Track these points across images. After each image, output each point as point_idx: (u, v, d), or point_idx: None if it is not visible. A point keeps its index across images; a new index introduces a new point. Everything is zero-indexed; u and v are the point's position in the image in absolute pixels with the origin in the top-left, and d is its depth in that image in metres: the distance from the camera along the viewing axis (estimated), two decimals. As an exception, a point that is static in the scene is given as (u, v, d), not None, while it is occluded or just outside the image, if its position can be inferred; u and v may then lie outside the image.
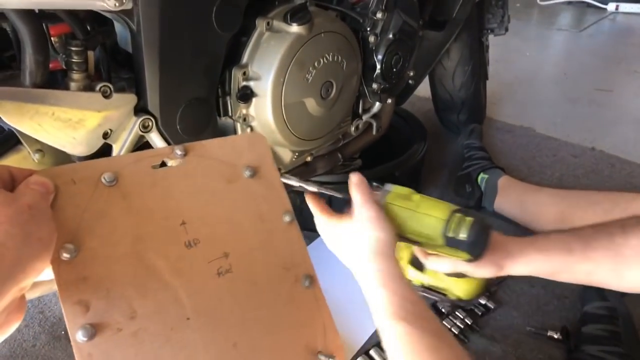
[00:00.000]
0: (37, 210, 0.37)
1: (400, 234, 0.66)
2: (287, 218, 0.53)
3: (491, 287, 0.87)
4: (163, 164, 0.48)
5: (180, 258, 0.45)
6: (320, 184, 0.71)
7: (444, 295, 0.95)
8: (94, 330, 0.39)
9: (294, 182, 0.70)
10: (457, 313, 0.97)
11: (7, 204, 0.36)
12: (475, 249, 0.63)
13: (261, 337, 0.47)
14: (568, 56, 2.36)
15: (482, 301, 1.00)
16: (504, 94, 1.87)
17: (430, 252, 0.73)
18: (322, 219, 0.68)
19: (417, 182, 1.33)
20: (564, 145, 1.55)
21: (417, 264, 0.78)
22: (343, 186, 0.69)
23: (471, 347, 0.92)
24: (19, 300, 0.38)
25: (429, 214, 0.64)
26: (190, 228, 0.47)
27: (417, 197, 0.67)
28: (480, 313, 0.98)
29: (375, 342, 0.93)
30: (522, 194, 1.19)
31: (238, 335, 0.46)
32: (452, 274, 0.77)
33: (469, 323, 0.96)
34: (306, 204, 1.18)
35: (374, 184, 0.70)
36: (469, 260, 0.66)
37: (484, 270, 0.71)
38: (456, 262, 0.71)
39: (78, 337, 0.39)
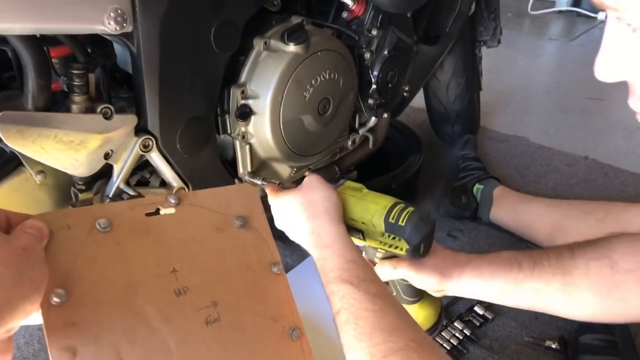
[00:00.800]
0: (31, 253, 0.38)
1: (346, 220, 0.67)
2: (275, 269, 0.53)
3: (440, 320, 0.86)
4: (156, 212, 0.49)
5: (169, 305, 0.45)
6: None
7: None
8: None
9: (257, 181, 0.76)
10: (455, 324, 0.98)
11: (1, 245, 0.36)
12: (414, 236, 0.64)
13: None
14: (559, 65, 2.39)
15: (480, 312, 1.01)
16: (498, 104, 1.89)
17: (374, 260, 0.74)
18: (273, 200, 0.70)
19: (413, 193, 1.34)
20: (557, 155, 1.57)
21: None
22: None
23: (470, 358, 0.93)
24: (5, 341, 0.38)
25: (373, 202, 0.67)
26: (180, 276, 0.47)
27: (366, 190, 0.70)
28: (478, 324, 0.99)
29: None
30: (516, 204, 1.21)
31: None
32: (405, 298, 0.77)
33: (468, 334, 0.97)
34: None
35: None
36: (408, 252, 0.66)
37: (427, 277, 0.70)
38: (398, 264, 0.71)
39: None
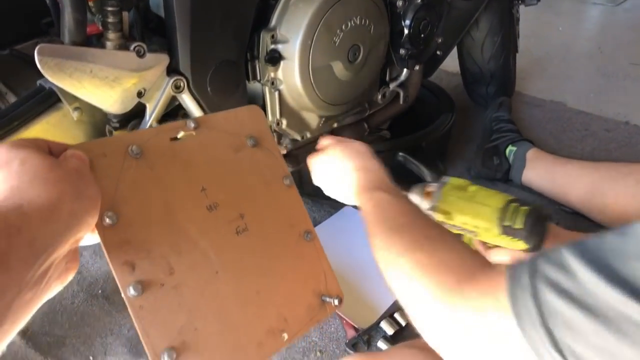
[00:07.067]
0: (83, 174, 0.41)
1: (458, 224, 0.67)
2: (287, 182, 0.58)
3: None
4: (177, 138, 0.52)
5: (204, 220, 0.50)
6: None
7: None
8: (141, 287, 0.44)
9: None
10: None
11: (57, 166, 0.39)
12: (532, 237, 0.64)
13: (277, 284, 0.52)
14: (603, 31, 2.28)
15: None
16: (535, 68, 1.83)
17: (489, 244, 0.72)
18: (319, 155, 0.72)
19: (443, 153, 1.32)
20: (596, 120, 1.51)
21: None
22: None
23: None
24: (73, 251, 0.42)
25: (485, 204, 0.66)
26: (209, 193, 0.51)
27: (473, 187, 0.68)
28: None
29: (399, 306, 0.94)
30: (551, 167, 1.17)
31: (259, 284, 0.51)
32: None
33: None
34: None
35: (429, 180, 0.73)
36: (527, 250, 0.65)
37: None
38: (515, 253, 0.70)
39: (129, 292, 0.43)
